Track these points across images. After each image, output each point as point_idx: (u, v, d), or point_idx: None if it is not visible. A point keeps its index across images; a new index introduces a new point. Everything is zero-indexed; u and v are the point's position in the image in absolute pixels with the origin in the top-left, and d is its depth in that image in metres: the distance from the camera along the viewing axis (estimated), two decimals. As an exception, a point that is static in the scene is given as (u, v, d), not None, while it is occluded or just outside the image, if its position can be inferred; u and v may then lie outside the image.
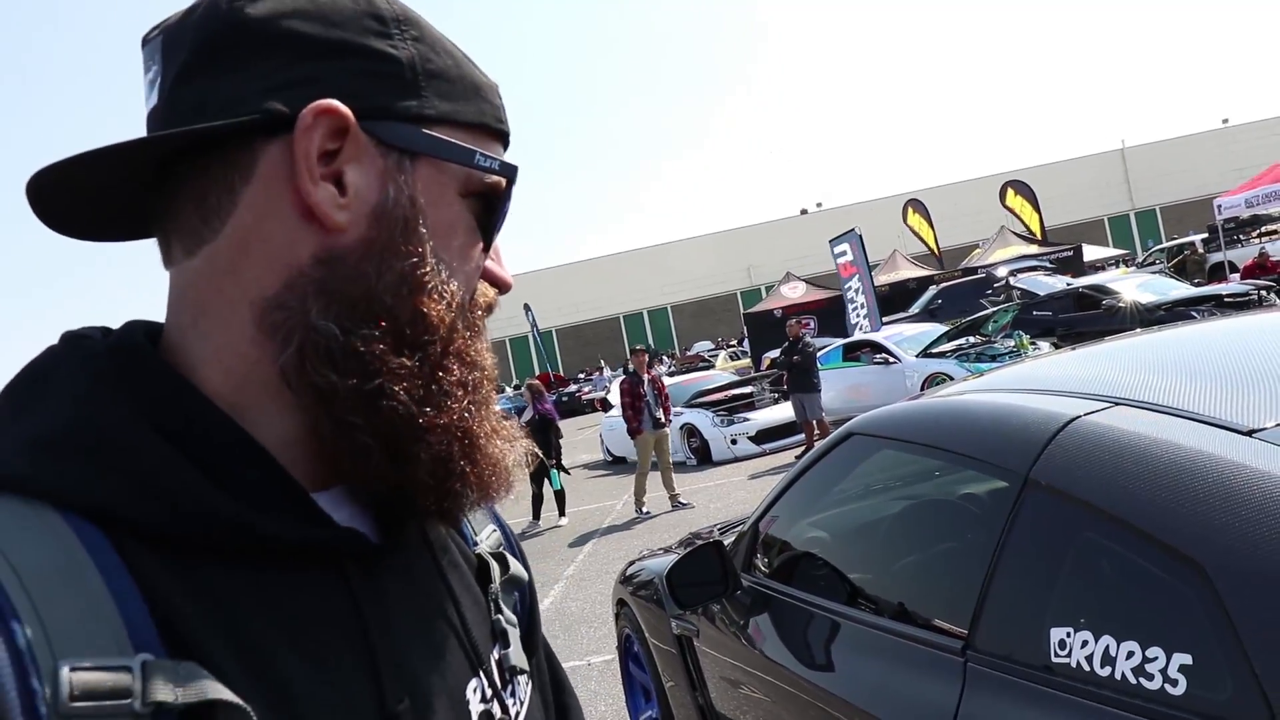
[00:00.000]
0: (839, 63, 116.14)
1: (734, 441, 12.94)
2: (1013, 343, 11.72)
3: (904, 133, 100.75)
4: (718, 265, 52.67)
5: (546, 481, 10.60)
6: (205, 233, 0.57)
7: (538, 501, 10.80)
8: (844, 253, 20.25)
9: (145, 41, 0.60)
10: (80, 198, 0.59)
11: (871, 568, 2.23)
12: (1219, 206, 17.64)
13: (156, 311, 0.62)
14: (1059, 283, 15.82)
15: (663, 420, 10.31)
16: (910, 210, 32.15)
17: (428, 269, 0.59)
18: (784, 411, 12.78)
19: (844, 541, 2.51)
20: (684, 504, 9.94)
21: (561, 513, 10.79)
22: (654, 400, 10.25)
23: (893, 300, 21.99)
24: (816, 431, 10.93)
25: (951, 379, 9.74)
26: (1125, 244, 42.57)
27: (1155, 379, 1.56)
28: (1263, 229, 21.96)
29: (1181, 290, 12.95)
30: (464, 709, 0.63)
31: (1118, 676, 1.17)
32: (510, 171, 0.65)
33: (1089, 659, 1.22)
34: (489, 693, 0.66)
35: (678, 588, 2.41)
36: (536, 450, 0.69)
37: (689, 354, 38.35)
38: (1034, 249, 23.49)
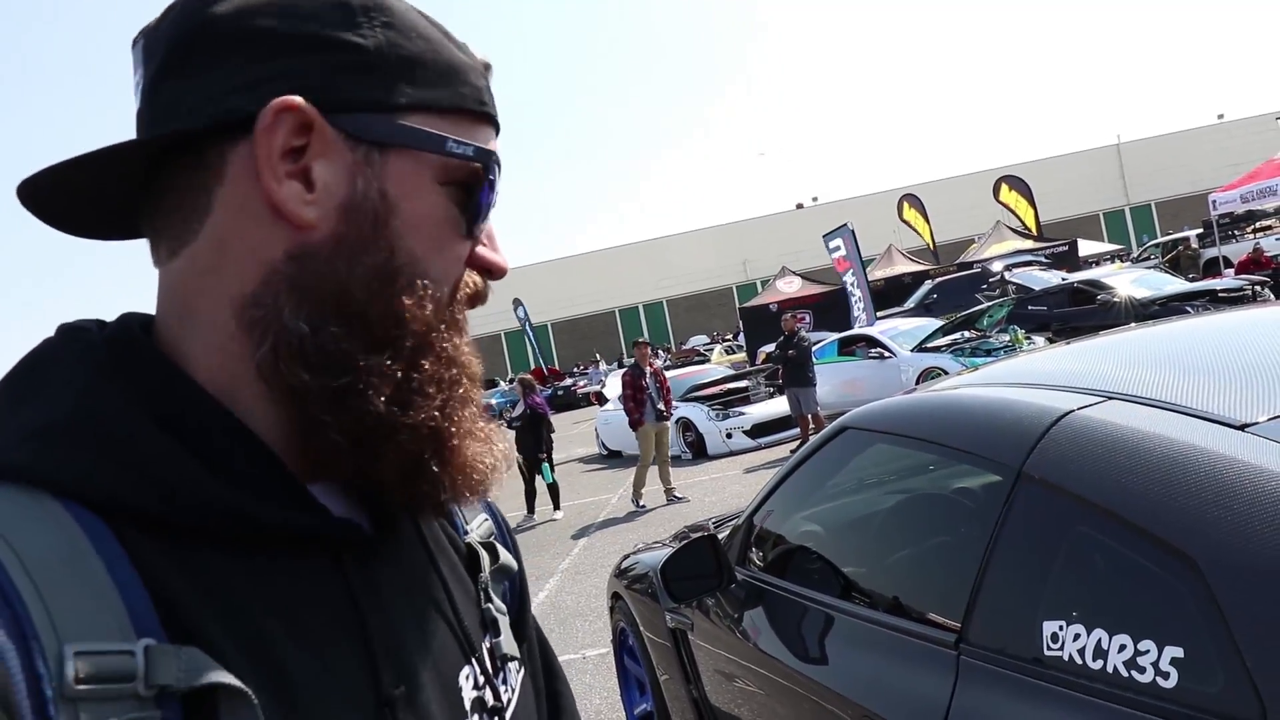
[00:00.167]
0: (836, 57, 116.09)
1: (729, 436, 12.95)
2: (1008, 337, 11.75)
3: (900, 127, 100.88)
4: (713, 259, 52.69)
5: (539, 475, 10.63)
6: (186, 234, 0.58)
7: (531, 496, 10.81)
8: (838, 248, 20.25)
9: (133, 45, 0.61)
10: (79, 198, 0.60)
11: (865, 561, 2.23)
12: (1214, 202, 17.67)
13: (146, 304, 0.63)
14: (1054, 278, 15.88)
15: (665, 412, 10.36)
16: (906, 205, 32.16)
17: (400, 263, 0.58)
18: (779, 406, 12.80)
19: (838, 535, 2.51)
20: (679, 498, 9.96)
21: (556, 506, 10.80)
22: (656, 392, 10.28)
23: (888, 295, 22.03)
24: (811, 426, 10.94)
25: (946, 373, 9.76)
26: (1120, 239, 42.67)
27: (1149, 373, 1.57)
28: (1257, 224, 22.04)
29: (1176, 285, 13.00)
30: (457, 696, 0.64)
31: (1110, 669, 1.18)
32: (485, 157, 0.62)
33: (1081, 652, 1.22)
34: (481, 680, 0.67)
35: (672, 581, 2.41)
36: (515, 453, 0.68)
37: (684, 348, 38.33)
38: (1029, 244, 23.55)
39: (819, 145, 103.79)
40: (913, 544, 2.12)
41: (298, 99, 0.55)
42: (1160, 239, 28.93)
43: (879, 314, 18.69)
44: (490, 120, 0.65)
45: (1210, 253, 20.30)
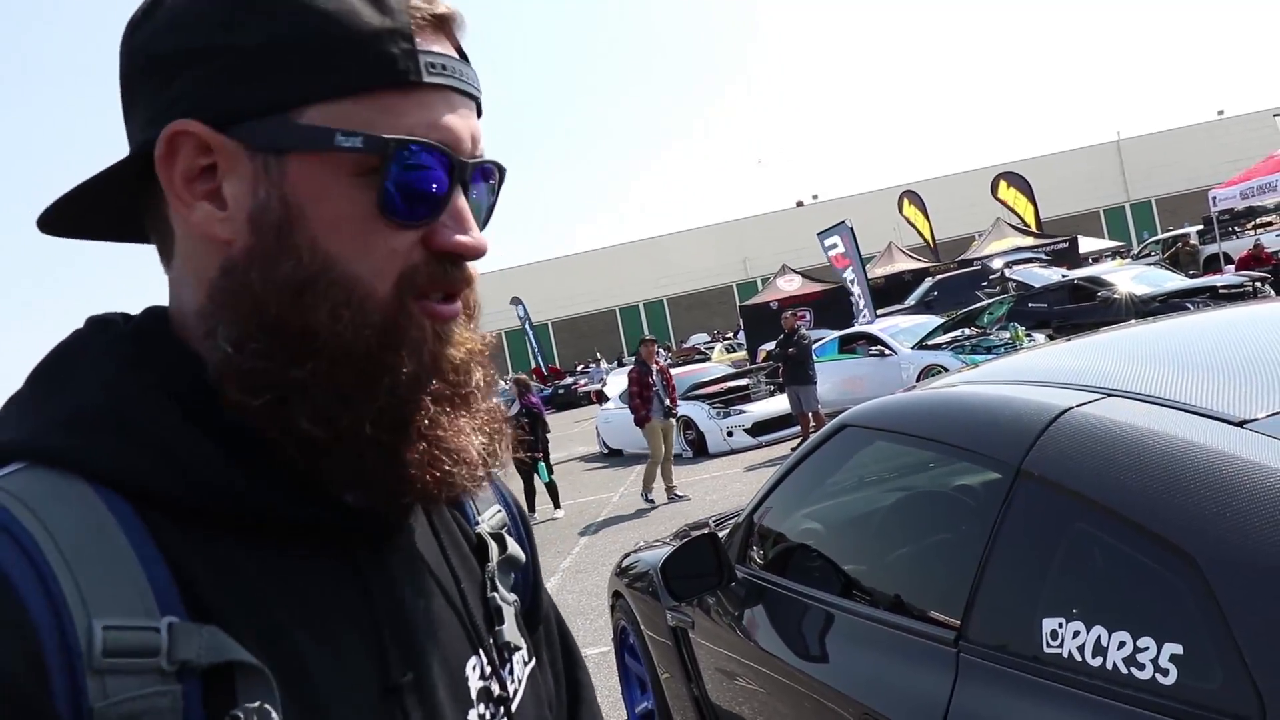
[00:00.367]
0: (835, 55, 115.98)
1: (730, 434, 12.95)
2: (1008, 335, 11.74)
3: (900, 125, 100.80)
4: (714, 258, 52.64)
5: (536, 475, 10.65)
6: (168, 248, 0.62)
7: (530, 494, 10.82)
8: (834, 245, 20.22)
9: None
10: (91, 216, 0.64)
11: (865, 559, 2.23)
12: (1214, 198, 17.65)
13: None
14: (1054, 275, 15.86)
15: (671, 409, 10.39)
16: (906, 201, 32.14)
17: (313, 271, 0.56)
18: (780, 404, 12.79)
19: (838, 533, 2.51)
20: (680, 496, 9.97)
21: (557, 505, 10.81)
22: (663, 389, 10.31)
23: (888, 292, 22.00)
24: (812, 424, 10.94)
25: (947, 371, 9.74)
26: (1120, 236, 42.60)
27: (1148, 370, 1.57)
28: (1257, 220, 22.00)
29: (1176, 282, 12.99)
30: (464, 685, 0.65)
31: (1109, 666, 1.18)
32: (380, 145, 0.56)
33: (1081, 649, 1.22)
34: (488, 670, 0.68)
35: (673, 579, 2.41)
36: (492, 446, 0.65)
37: (685, 346, 38.32)
38: (1029, 241, 23.51)
39: (819, 143, 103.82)
40: (912, 542, 2.12)
41: (184, 123, 0.56)
42: (1160, 235, 28.91)
43: (879, 311, 18.67)
44: (431, 86, 0.58)
45: (1210, 249, 20.28)
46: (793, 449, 10.23)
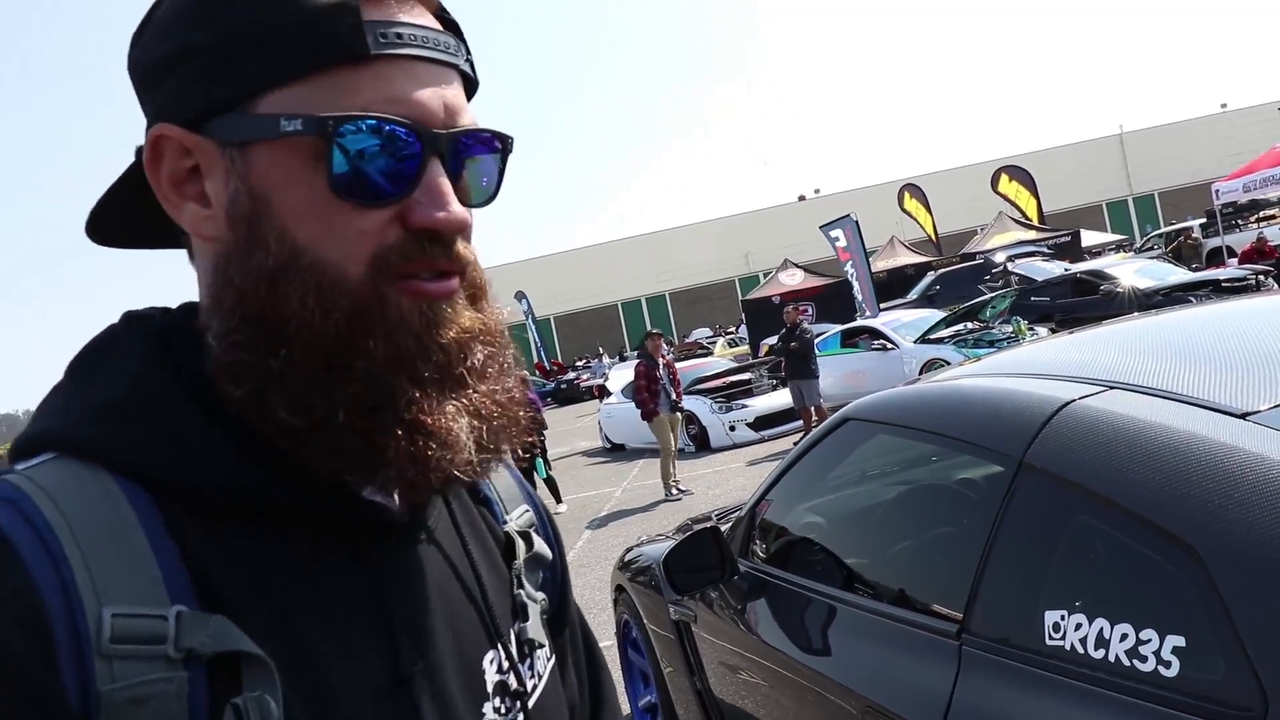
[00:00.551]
0: (836, 49, 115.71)
1: (732, 428, 12.94)
2: (1011, 328, 11.72)
3: (902, 119, 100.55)
4: (715, 252, 52.55)
5: (534, 471, 10.64)
6: (189, 251, 0.64)
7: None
8: (838, 238, 20.20)
9: None
10: (140, 219, 0.65)
11: (867, 552, 2.23)
12: (1217, 191, 17.59)
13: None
14: (1057, 268, 15.81)
15: (678, 402, 10.44)
16: (907, 195, 32.06)
17: (282, 260, 0.56)
18: (782, 398, 12.78)
19: (840, 526, 2.51)
20: (683, 490, 9.97)
21: (558, 500, 10.81)
22: (669, 383, 10.32)
23: (891, 286, 21.96)
24: (815, 418, 10.93)
25: (950, 365, 9.74)
26: (1123, 229, 42.45)
27: (1150, 363, 1.56)
28: (1260, 214, 21.92)
29: (1179, 275, 12.95)
30: (479, 678, 0.66)
31: (1111, 659, 1.18)
32: (318, 125, 0.54)
33: (1083, 642, 1.22)
34: (506, 664, 0.68)
35: (675, 573, 2.41)
36: (484, 427, 0.62)
37: (687, 341, 38.29)
38: (1032, 235, 23.45)
39: (821, 137, 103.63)
40: (914, 535, 2.12)
41: (162, 126, 0.58)
42: (1163, 229, 28.82)
43: (882, 306, 18.65)
44: (387, 58, 0.56)
45: (1213, 242, 20.20)
46: (795, 444, 10.24)
